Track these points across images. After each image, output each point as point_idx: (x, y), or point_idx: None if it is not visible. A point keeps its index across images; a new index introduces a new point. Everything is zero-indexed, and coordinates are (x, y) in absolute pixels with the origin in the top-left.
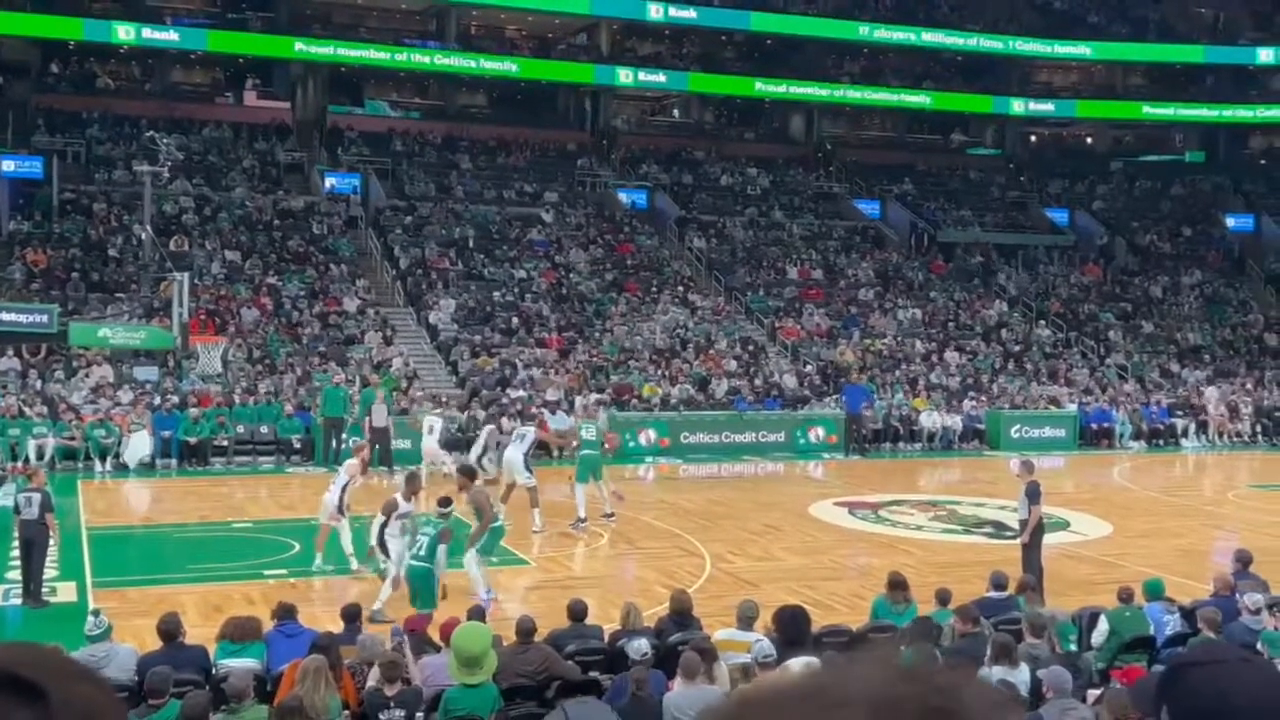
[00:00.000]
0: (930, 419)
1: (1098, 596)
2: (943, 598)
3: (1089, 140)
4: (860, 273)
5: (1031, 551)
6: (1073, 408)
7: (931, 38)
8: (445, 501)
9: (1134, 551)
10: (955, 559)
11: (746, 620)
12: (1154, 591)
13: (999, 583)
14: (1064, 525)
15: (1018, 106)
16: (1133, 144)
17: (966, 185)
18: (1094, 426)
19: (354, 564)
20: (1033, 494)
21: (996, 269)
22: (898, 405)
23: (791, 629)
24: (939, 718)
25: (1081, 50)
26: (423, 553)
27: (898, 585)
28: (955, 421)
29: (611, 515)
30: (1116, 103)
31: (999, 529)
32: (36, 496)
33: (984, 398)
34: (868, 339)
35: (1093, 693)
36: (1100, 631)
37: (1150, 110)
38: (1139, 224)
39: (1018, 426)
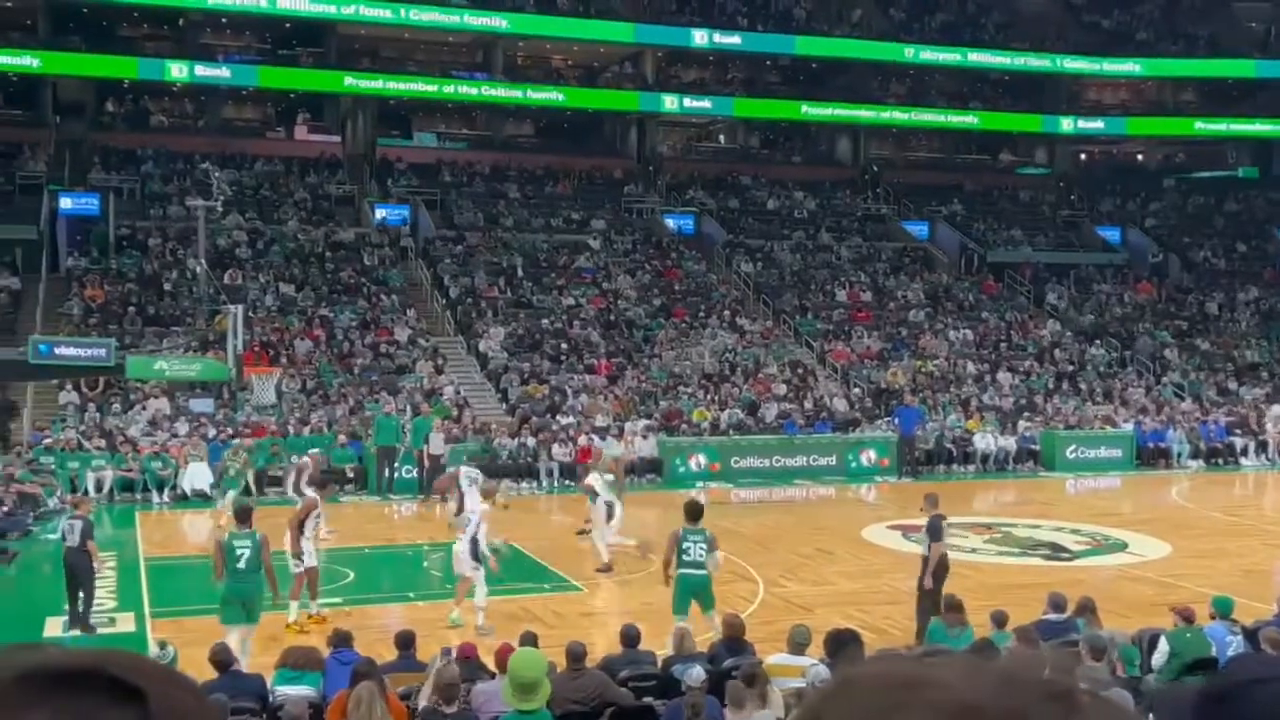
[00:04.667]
0: (984, 440)
1: (1158, 618)
2: (999, 620)
3: (1140, 157)
4: (910, 294)
5: (931, 595)
6: (1129, 427)
7: (978, 58)
8: (696, 511)
9: (1194, 572)
10: (1011, 581)
11: (799, 645)
12: (1223, 609)
13: (1058, 604)
14: (1122, 546)
15: (1067, 125)
16: (1185, 160)
17: (1016, 205)
18: (1151, 446)
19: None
20: (933, 530)
21: (1048, 289)
22: (950, 427)
23: (842, 653)
24: None
25: (1131, 67)
26: (700, 559)
27: (954, 608)
28: (1009, 443)
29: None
30: (1167, 119)
31: (1055, 550)
32: (79, 524)
33: (1038, 418)
34: (919, 360)
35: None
36: (1161, 653)
37: (1202, 126)
38: (1192, 241)
39: (1073, 447)
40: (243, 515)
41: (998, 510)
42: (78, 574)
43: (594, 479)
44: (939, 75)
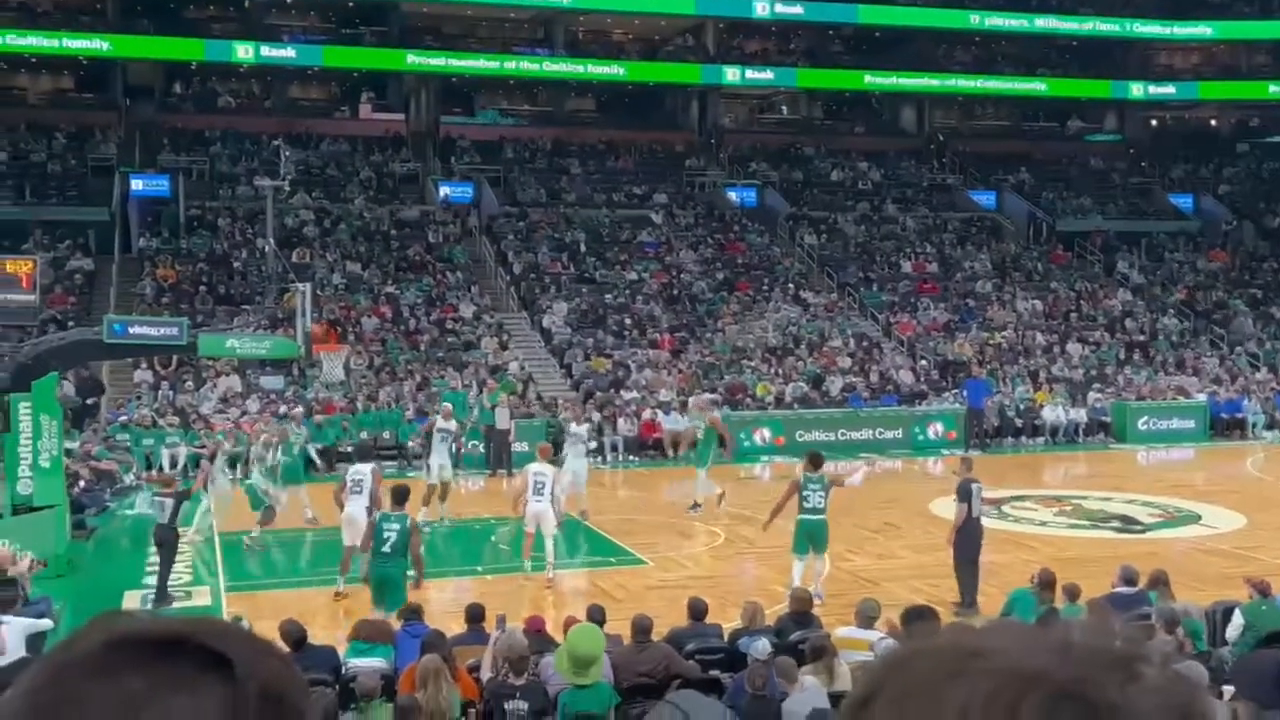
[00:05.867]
0: (1053, 412)
1: (1232, 590)
2: (1072, 592)
3: (1213, 122)
4: (977, 265)
5: (961, 556)
6: (1202, 398)
7: (1045, 23)
8: (817, 460)
9: (1269, 544)
10: (1082, 554)
11: (867, 619)
12: None
13: (1129, 577)
14: (1195, 519)
15: (1137, 90)
16: (1259, 125)
17: (1085, 172)
18: (1225, 417)
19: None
20: (961, 492)
21: (1119, 257)
22: (1019, 399)
23: (920, 628)
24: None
25: (1203, 30)
26: (819, 505)
27: (1047, 585)
28: (1079, 414)
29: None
30: (1241, 83)
31: (1127, 523)
32: (169, 502)
33: (1109, 390)
34: (986, 332)
35: (1228, 689)
36: (1235, 625)
37: (1276, 89)
38: (1267, 207)
39: (1145, 418)
40: (398, 496)
41: (1068, 483)
42: (164, 549)
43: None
44: (1005, 42)
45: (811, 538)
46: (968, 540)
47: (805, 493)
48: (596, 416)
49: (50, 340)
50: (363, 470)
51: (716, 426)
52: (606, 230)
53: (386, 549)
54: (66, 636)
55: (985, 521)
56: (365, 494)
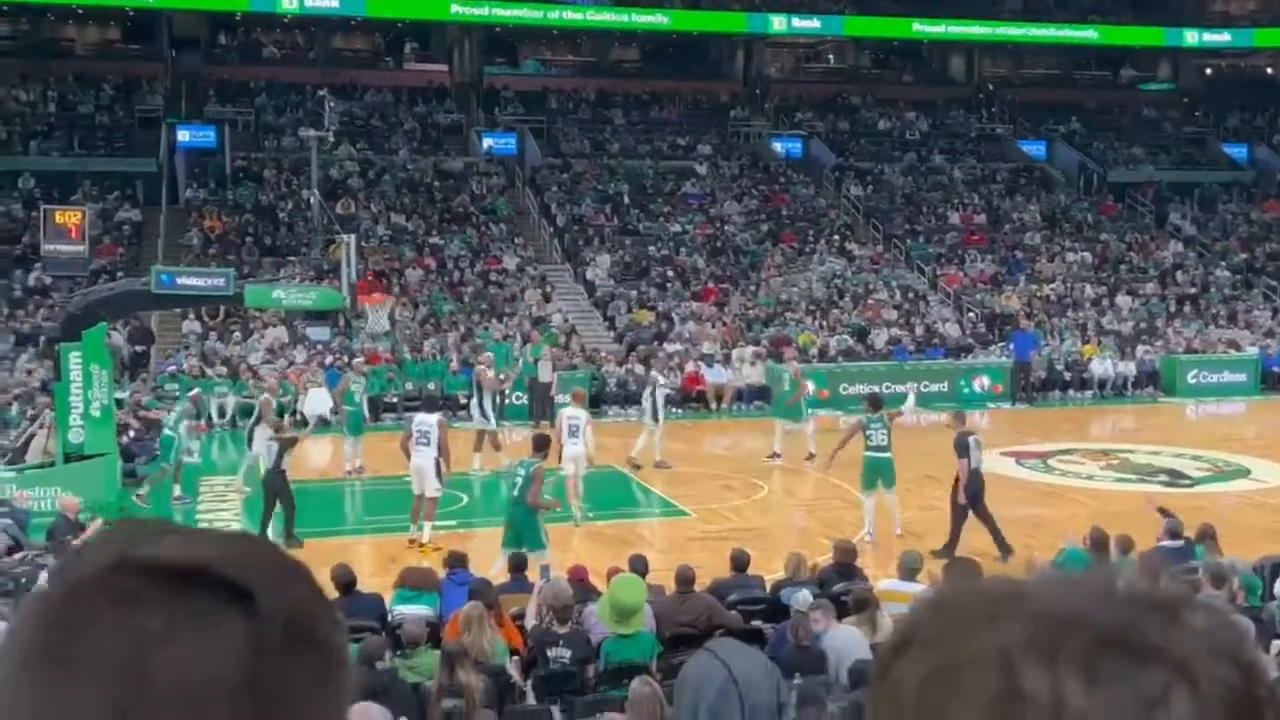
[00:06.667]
0: (1101, 365)
1: None
2: (1124, 546)
3: (1269, 71)
4: (1026, 216)
5: (965, 510)
6: (1254, 351)
7: None
8: (877, 402)
9: None
10: (1129, 508)
11: (909, 571)
12: None
13: (1174, 531)
14: (1245, 473)
15: (1191, 38)
16: None
17: (1137, 122)
18: (1277, 370)
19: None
20: (959, 446)
21: (1171, 208)
22: (1066, 352)
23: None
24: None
25: None
26: (883, 443)
27: (1101, 545)
28: (1128, 368)
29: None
30: None
31: (1175, 477)
32: (276, 446)
33: (1158, 343)
34: (1034, 284)
35: (1276, 643)
36: None
37: None
38: None
39: (1195, 372)
40: (538, 443)
41: (1116, 437)
42: (275, 494)
43: None
44: None
45: (879, 473)
46: (970, 491)
47: (869, 431)
48: (640, 369)
49: (99, 290)
50: (428, 421)
51: (800, 376)
52: (650, 182)
53: (515, 492)
54: (86, 544)
55: (1031, 475)
56: (433, 445)
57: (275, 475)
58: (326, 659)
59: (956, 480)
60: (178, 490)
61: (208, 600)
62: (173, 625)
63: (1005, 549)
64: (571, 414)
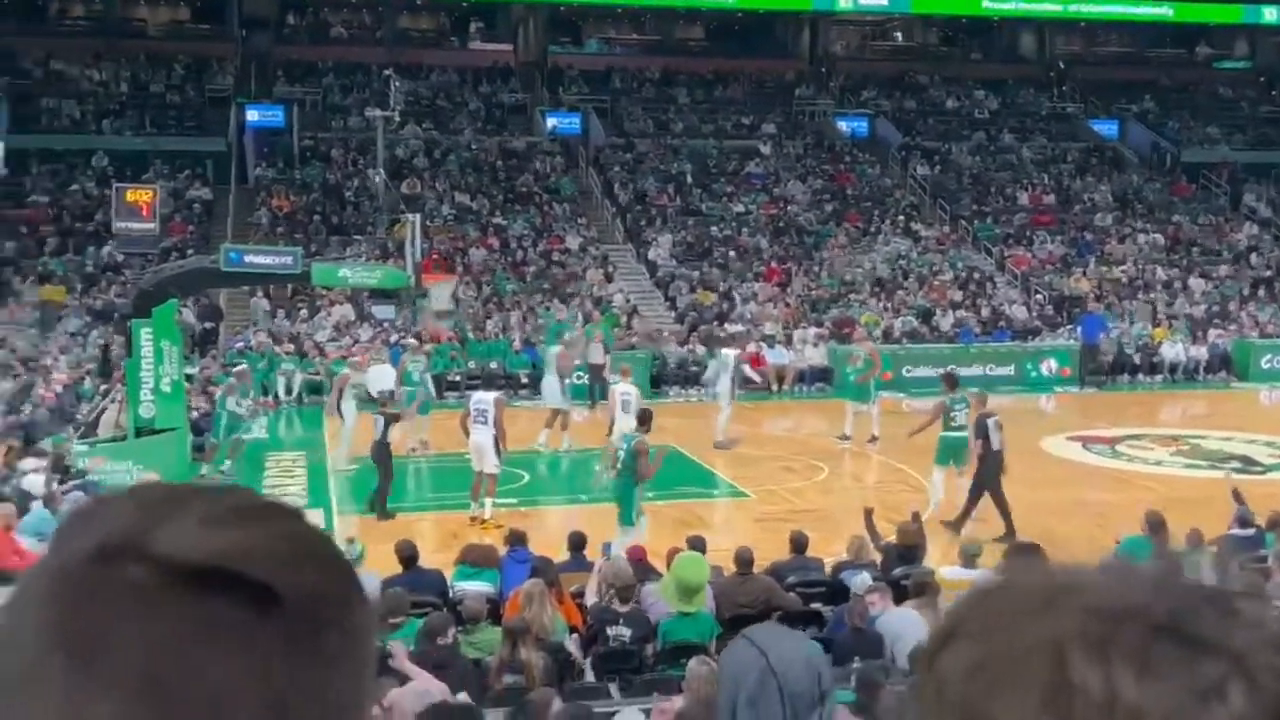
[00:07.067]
0: (1172, 350)
1: None
2: (1194, 540)
3: None
4: (1097, 197)
5: (977, 485)
6: None
7: None
8: (954, 381)
9: None
10: (1198, 495)
11: (970, 558)
12: None
13: (1244, 519)
14: None
15: (1270, 15)
16: None
17: (1213, 101)
18: None
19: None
20: (978, 427)
21: (1246, 189)
22: (1136, 335)
23: (1016, 563)
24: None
25: None
26: (963, 423)
27: (1158, 526)
28: (1200, 352)
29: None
30: None
31: (1247, 464)
32: (381, 421)
33: (1231, 327)
34: (1104, 266)
35: None
36: None
37: None
38: None
39: (1269, 356)
40: (642, 418)
41: (1186, 422)
42: (377, 463)
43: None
44: None
45: (954, 453)
46: (987, 472)
47: (953, 412)
48: (700, 350)
49: (170, 268)
50: (485, 399)
51: (875, 358)
52: (714, 161)
53: (619, 466)
54: (100, 512)
55: (1098, 460)
56: (490, 422)
57: (379, 446)
58: (349, 645)
59: (982, 460)
60: (227, 465)
61: (230, 604)
62: (196, 635)
63: (1012, 534)
64: (624, 390)
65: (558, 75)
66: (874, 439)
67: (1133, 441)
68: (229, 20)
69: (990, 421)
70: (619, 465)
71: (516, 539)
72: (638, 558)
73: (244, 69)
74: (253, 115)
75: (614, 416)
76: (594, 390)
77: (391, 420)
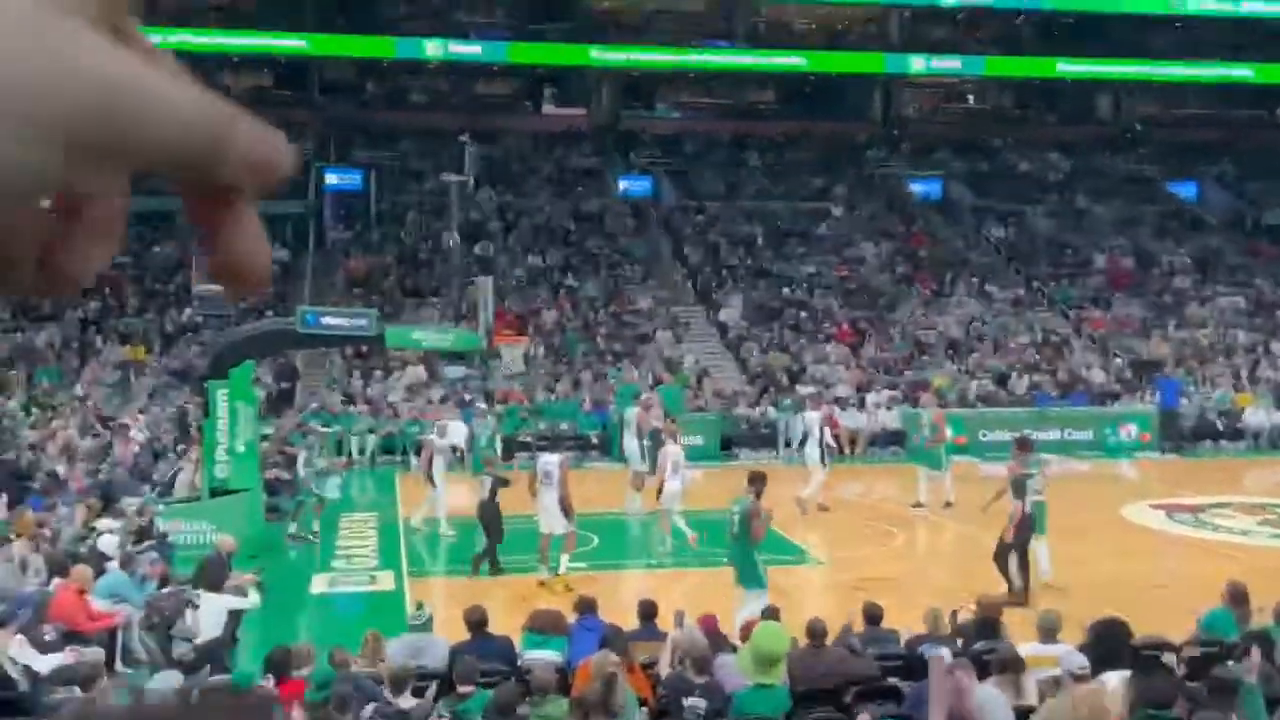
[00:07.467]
0: (1256, 415)
1: None
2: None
3: None
4: (1175, 259)
5: (1009, 549)
6: None
7: (1254, 6)
8: (1026, 444)
9: None
10: None
11: (1048, 632)
12: None
13: None
14: None
15: None
16: None
17: None
18: None
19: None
20: (1015, 486)
21: None
22: (1219, 401)
23: (1109, 642)
24: None
25: None
26: (1040, 487)
27: (1240, 598)
28: None
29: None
30: None
31: None
32: (489, 480)
33: None
34: (1184, 330)
35: None
36: None
37: None
38: None
39: None
40: (753, 479)
41: (1273, 490)
42: (486, 523)
43: None
44: (1208, 26)
45: (1035, 519)
46: (1020, 534)
47: (1028, 478)
48: (772, 412)
49: (246, 330)
50: (551, 461)
51: (939, 422)
52: (785, 223)
53: (734, 530)
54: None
55: (1183, 530)
56: (555, 484)
57: (487, 505)
58: None
59: (1017, 524)
60: (293, 528)
61: None
62: None
63: (1023, 599)
64: (674, 451)
65: (630, 139)
66: (948, 505)
67: (1217, 510)
68: (310, 87)
69: (1029, 482)
70: (734, 529)
71: (586, 606)
72: (709, 627)
73: (324, 133)
74: (331, 179)
75: (664, 478)
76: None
77: (501, 483)
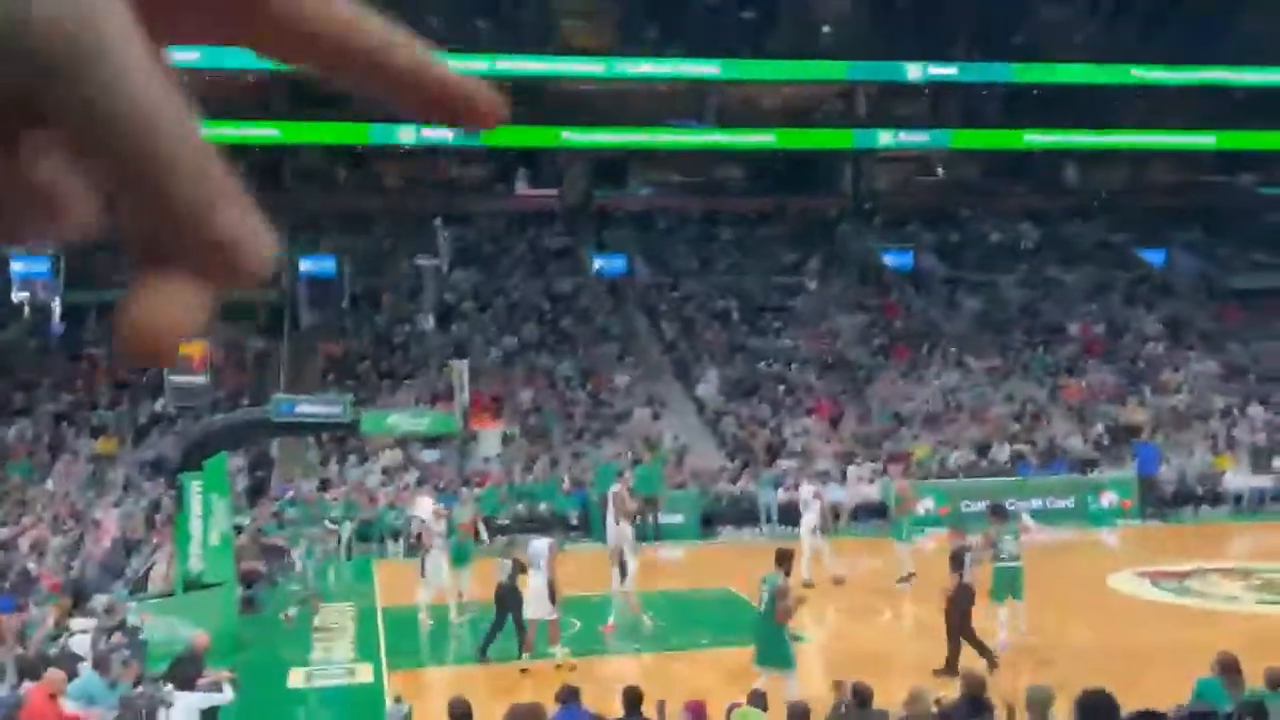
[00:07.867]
0: (1235, 479)
1: None
2: (1273, 680)
3: None
4: (1147, 326)
5: (958, 624)
6: None
7: (1215, 75)
8: (1001, 511)
9: None
10: (1275, 633)
11: (1039, 707)
12: None
13: None
14: None
15: None
16: None
17: (1261, 228)
18: None
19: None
20: (953, 559)
21: None
22: (1196, 465)
23: (1096, 714)
24: None
25: None
26: (1015, 552)
27: (1231, 668)
28: (1265, 481)
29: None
30: None
31: None
32: (509, 564)
33: None
34: (1159, 395)
35: None
36: None
37: None
38: None
39: None
40: (779, 558)
41: (1257, 554)
42: (507, 606)
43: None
44: (1173, 96)
45: (1010, 585)
46: (958, 606)
47: (1000, 543)
48: (753, 488)
49: (220, 420)
50: (540, 545)
51: (904, 493)
52: (760, 298)
53: (762, 609)
54: None
55: (1168, 597)
56: (542, 569)
57: (506, 589)
58: None
59: (952, 596)
60: (291, 611)
61: None
62: None
63: (992, 662)
64: (629, 531)
65: (603, 218)
66: (908, 577)
67: (1201, 577)
68: (282, 174)
69: (968, 556)
70: (762, 607)
71: (569, 695)
72: (695, 713)
73: (296, 221)
74: (305, 265)
75: (624, 558)
76: (647, 527)
77: (521, 568)
